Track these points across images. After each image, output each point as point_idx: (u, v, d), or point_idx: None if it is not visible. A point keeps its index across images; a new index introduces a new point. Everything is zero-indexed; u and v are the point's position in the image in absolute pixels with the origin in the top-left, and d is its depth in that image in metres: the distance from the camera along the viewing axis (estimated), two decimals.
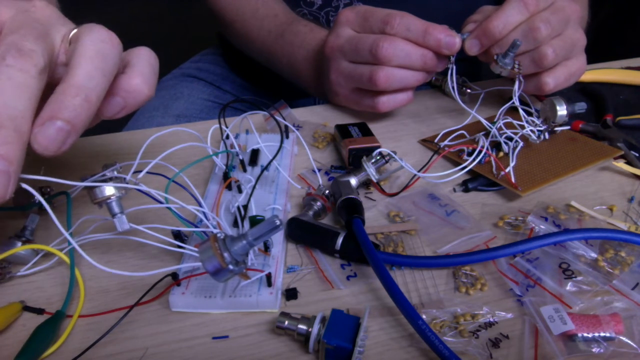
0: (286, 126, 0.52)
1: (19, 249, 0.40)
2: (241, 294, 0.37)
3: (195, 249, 0.34)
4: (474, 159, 0.50)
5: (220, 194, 0.46)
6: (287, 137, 0.54)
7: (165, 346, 0.35)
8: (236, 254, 0.32)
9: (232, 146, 0.49)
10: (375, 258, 0.38)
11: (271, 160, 0.47)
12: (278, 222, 0.32)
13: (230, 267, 0.32)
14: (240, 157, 0.49)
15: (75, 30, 0.34)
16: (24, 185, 0.31)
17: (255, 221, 0.42)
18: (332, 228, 0.42)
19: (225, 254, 0.32)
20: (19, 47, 0.30)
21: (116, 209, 0.35)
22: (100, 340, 0.34)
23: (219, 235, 0.33)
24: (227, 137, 0.49)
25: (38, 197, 0.31)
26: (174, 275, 0.38)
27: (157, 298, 0.38)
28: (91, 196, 0.34)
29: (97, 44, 0.33)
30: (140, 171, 0.38)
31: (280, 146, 0.48)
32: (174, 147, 0.41)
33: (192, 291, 0.37)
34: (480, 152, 0.50)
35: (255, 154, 0.52)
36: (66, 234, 0.32)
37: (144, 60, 0.37)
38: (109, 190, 0.34)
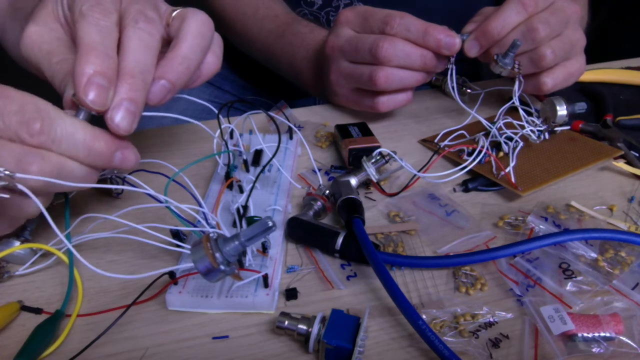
0: (290, 128, 0.52)
1: (17, 248, 0.39)
2: (237, 294, 0.37)
3: None
4: (474, 159, 0.50)
5: (221, 194, 0.46)
6: (291, 138, 0.54)
7: (165, 346, 0.35)
8: (228, 254, 0.32)
9: (235, 145, 0.49)
10: (375, 258, 0.38)
11: (270, 160, 0.46)
12: (270, 224, 0.32)
13: (222, 267, 0.32)
14: (244, 156, 0.49)
15: (179, 10, 0.40)
16: (20, 186, 0.31)
17: (253, 222, 0.42)
18: (332, 228, 0.42)
19: (217, 254, 0.32)
20: (146, 14, 0.36)
21: None
22: (99, 339, 0.34)
23: (211, 235, 0.33)
24: (232, 135, 0.49)
25: (35, 200, 0.31)
26: (171, 274, 0.38)
27: (155, 297, 0.38)
28: None
29: (200, 25, 0.39)
30: (141, 170, 0.38)
31: (278, 147, 0.48)
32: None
33: (189, 290, 0.37)
34: (480, 152, 0.50)
35: (258, 154, 0.52)
36: (61, 236, 0.32)
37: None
38: None
